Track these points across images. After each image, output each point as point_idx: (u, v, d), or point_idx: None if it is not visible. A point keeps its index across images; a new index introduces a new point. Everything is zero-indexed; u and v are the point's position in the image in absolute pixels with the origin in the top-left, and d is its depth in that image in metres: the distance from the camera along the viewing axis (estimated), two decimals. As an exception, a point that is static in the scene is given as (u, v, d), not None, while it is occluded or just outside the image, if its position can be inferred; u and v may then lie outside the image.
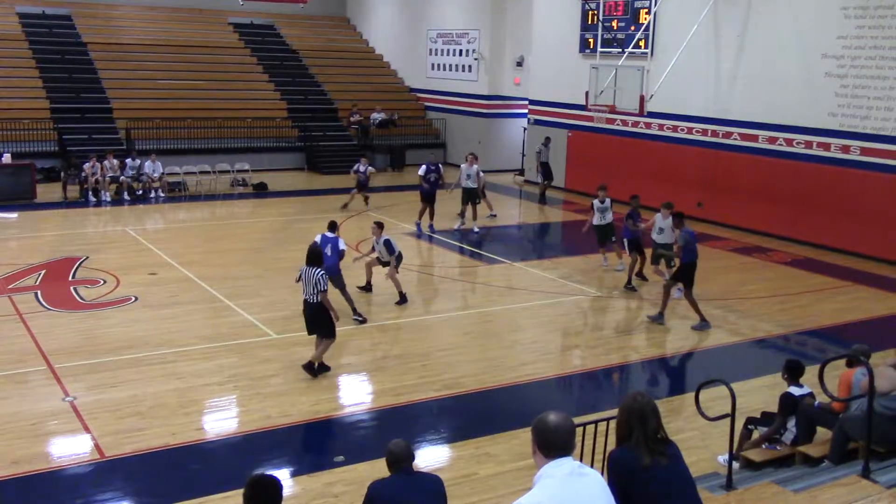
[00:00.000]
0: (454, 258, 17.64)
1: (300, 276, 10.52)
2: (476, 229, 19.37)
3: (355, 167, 21.55)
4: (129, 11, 31.73)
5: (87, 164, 21.83)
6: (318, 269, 10.37)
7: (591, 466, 4.64)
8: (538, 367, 11.28)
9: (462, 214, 19.59)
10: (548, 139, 24.23)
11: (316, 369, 10.56)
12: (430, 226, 19.20)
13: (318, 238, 12.69)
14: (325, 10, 35.56)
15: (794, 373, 8.05)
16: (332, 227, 13.18)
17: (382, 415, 9.74)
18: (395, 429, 9.07)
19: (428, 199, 19.09)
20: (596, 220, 16.07)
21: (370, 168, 21.72)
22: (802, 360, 8.30)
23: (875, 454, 6.85)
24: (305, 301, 10.51)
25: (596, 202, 16.03)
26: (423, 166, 19.34)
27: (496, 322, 13.34)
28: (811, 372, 7.98)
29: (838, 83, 17.88)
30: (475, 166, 19.31)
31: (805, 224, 18.69)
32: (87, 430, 8.91)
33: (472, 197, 19.35)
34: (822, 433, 7.74)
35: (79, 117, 25.82)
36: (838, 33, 17.76)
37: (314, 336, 10.71)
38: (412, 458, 5.51)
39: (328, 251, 12.27)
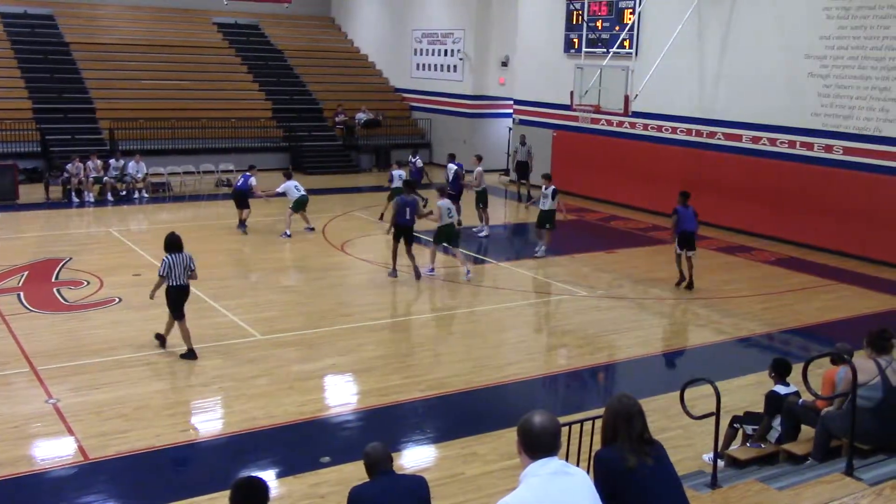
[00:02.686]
0: (439, 258, 17.62)
1: (168, 267, 10.75)
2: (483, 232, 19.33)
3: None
4: (112, 11, 31.55)
5: (70, 164, 21.69)
6: (187, 254, 10.96)
7: (577, 466, 4.65)
8: (524, 366, 11.29)
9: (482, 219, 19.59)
10: (523, 137, 24.36)
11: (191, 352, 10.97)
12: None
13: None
14: (310, 10, 35.48)
15: (780, 371, 8.09)
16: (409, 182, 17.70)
17: (368, 415, 9.72)
18: (380, 429, 9.07)
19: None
20: (539, 205, 17.32)
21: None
22: (787, 359, 8.36)
23: (859, 452, 6.89)
24: (178, 286, 10.84)
25: (542, 189, 17.21)
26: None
27: (482, 322, 13.35)
28: (795, 370, 8.03)
29: (821, 83, 17.99)
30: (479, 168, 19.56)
31: (789, 223, 18.79)
32: (70, 432, 8.85)
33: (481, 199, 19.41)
34: (807, 431, 7.78)
35: (62, 118, 25.65)
36: (821, 34, 17.87)
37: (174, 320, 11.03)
38: (390, 459, 5.41)
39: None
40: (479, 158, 20.01)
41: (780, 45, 18.71)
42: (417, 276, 15.02)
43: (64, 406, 9.44)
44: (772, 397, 7.92)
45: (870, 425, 6.94)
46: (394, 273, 15.12)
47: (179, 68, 29.38)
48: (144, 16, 31.82)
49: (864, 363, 6.99)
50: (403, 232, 14.92)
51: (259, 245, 17.93)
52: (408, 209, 14.95)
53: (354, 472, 7.39)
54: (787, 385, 8.02)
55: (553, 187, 17.12)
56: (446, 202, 15.45)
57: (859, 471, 6.47)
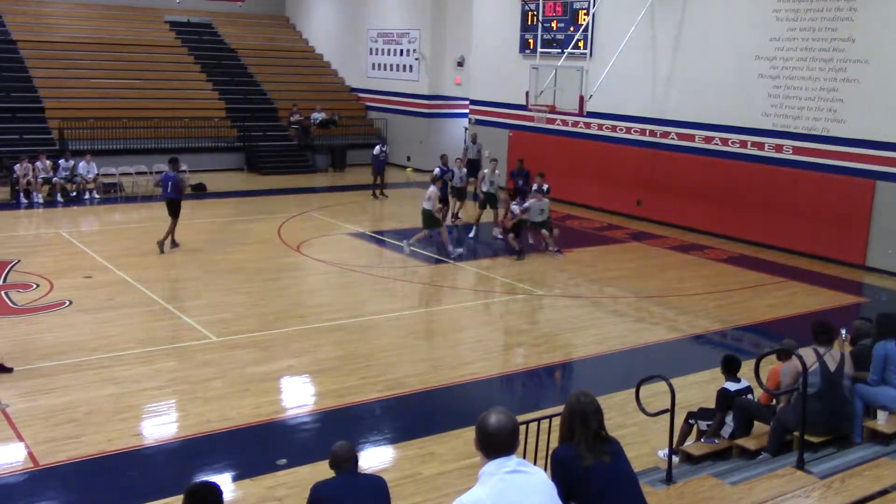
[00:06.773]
0: (397, 258, 17.59)
1: None
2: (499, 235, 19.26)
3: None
4: (61, 8, 30.96)
5: (17, 164, 21.26)
6: None
7: (535, 464, 4.66)
8: (481, 365, 11.31)
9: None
10: (474, 135, 24.57)
11: None
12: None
13: None
14: (264, 9, 35.18)
15: (730, 368, 8.21)
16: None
17: (325, 417, 9.66)
18: (337, 430, 9.01)
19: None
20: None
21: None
22: (738, 355, 8.49)
23: (810, 445, 7.03)
24: None
25: (535, 186, 18.12)
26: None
27: (439, 322, 13.36)
28: (747, 366, 8.16)
29: (771, 84, 18.30)
30: (497, 171, 19.95)
31: (740, 222, 19.08)
32: (20, 438, 8.66)
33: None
34: (759, 426, 7.91)
35: (9, 117, 25.11)
36: (770, 35, 18.18)
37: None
38: (355, 459, 5.49)
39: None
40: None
41: (730, 47, 19.00)
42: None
43: (13, 411, 9.23)
44: (722, 394, 8.04)
45: (817, 412, 7.08)
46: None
47: (131, 67, 28.91)
48: (94, 13, 31.27)
49: (805, 352, 7.19)
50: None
51: (212, 246, 17.71)
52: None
53: (311, 474, 7.36)
54: (738, 381, 8.14)
55: (546, 185, 18.20)
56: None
57: (810, 464, 6.59)
